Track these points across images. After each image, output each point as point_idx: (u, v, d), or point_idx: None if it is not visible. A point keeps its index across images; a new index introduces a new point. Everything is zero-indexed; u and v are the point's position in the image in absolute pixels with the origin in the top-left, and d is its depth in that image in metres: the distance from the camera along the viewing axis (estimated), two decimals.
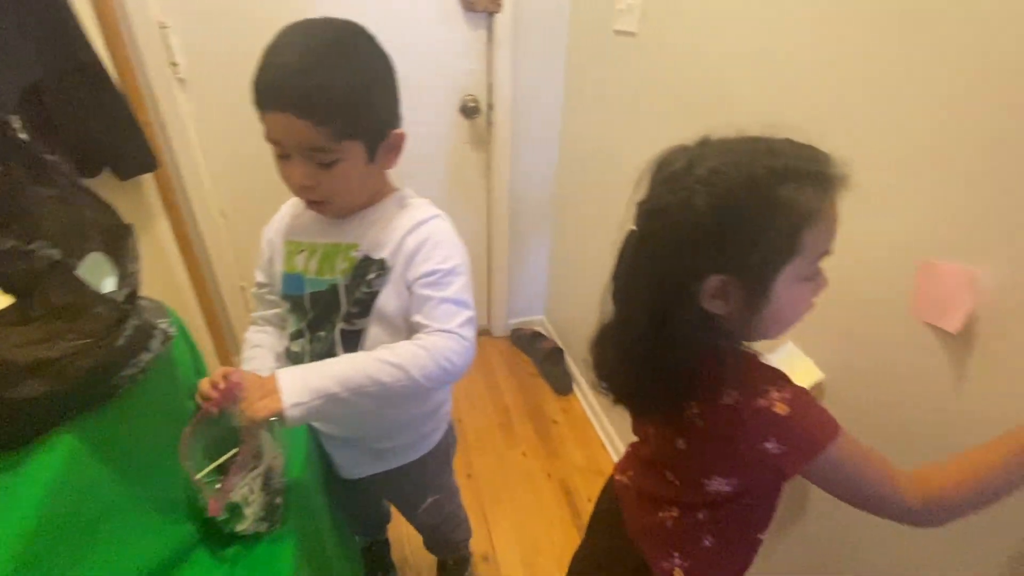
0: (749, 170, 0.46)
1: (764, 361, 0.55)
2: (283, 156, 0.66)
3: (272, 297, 0.83)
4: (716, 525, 0.63)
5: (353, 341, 0.76)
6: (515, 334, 2.08)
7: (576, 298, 1.83)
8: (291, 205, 0.81)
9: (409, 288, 0.72)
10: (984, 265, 0.59)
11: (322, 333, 0.77)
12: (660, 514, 0.66)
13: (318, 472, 0.82)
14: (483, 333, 2.13)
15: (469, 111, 1.64)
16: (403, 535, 1.35)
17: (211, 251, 1.61)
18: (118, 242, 0.53)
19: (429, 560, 1.28)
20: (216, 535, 0.62)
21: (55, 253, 0.44)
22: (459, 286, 0.71)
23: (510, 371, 1.95)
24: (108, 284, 0.50)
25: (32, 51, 0.97)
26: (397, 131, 0.73)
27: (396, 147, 0.74)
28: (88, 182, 1.27)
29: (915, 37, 0.63)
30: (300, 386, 0.62)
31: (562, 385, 1.84)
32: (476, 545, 1.35)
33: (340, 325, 0.76)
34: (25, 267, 0.42)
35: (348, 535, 0.97)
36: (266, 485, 0.65)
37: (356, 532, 1.22)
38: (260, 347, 0.82)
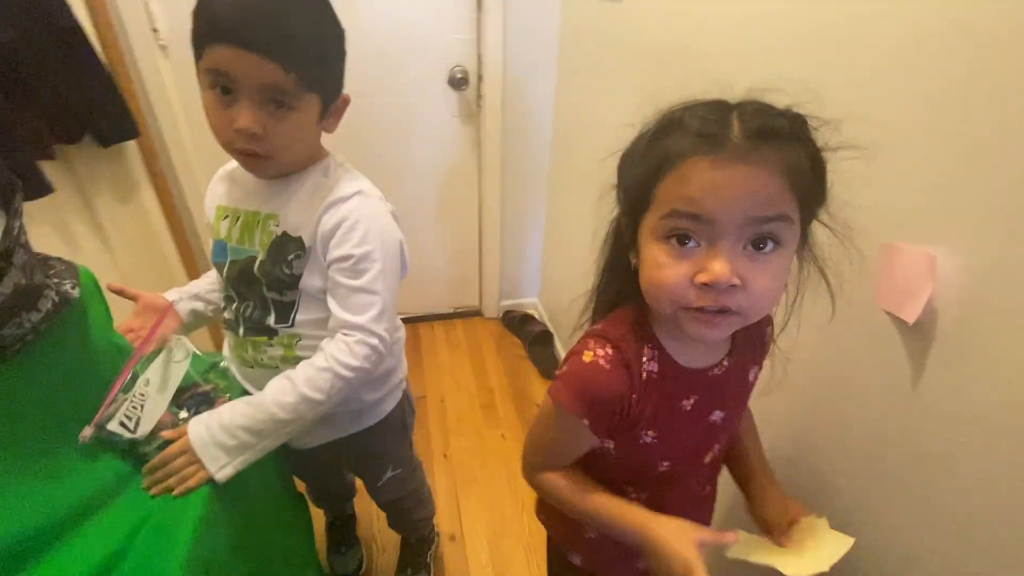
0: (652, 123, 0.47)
1: (648, 348, 0.54)
2: (226, 95, 0.61)
3: None
4: None
5: (285, 312, 0.74)
6: (507, 316, 2.04)
7: (569, 281, 1.77)
8: (223, 169, 0.78)
9: (327, 268, 0.70)
10: (945, 247, 0.52)
11: (250, 303, 0.76)
12: None
13: None
14: (474, 313, 2.11)
15: (457, 82, 1.59)
16: (372, 512, 1.34)
17: (197, 220, 1.62)
18: (11, 199, 0.51)
19: (396, 538, 1.27)
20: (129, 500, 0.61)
21: None
22: (373, 274, 0.69)
23: (498, 353, 1.92)
24: None
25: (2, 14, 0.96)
26: (345, 94, 0.71)
27: (341, 110, 0.72)
28: (70, 148, 1.28)
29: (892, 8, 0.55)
30: (216, 453, 0.65)
31: (549, 369, 1.80)
32: (444, 525, 1.34)
33: (270, 295, 0.74)
34: None
35: (296, 504, 0.96)
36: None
37: (320, 505, 1.23)
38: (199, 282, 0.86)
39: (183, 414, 0.69)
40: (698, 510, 0.68)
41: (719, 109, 0.44)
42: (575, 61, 1.52)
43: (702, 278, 0.43)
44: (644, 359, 0.53)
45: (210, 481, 0.64)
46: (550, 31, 1.57)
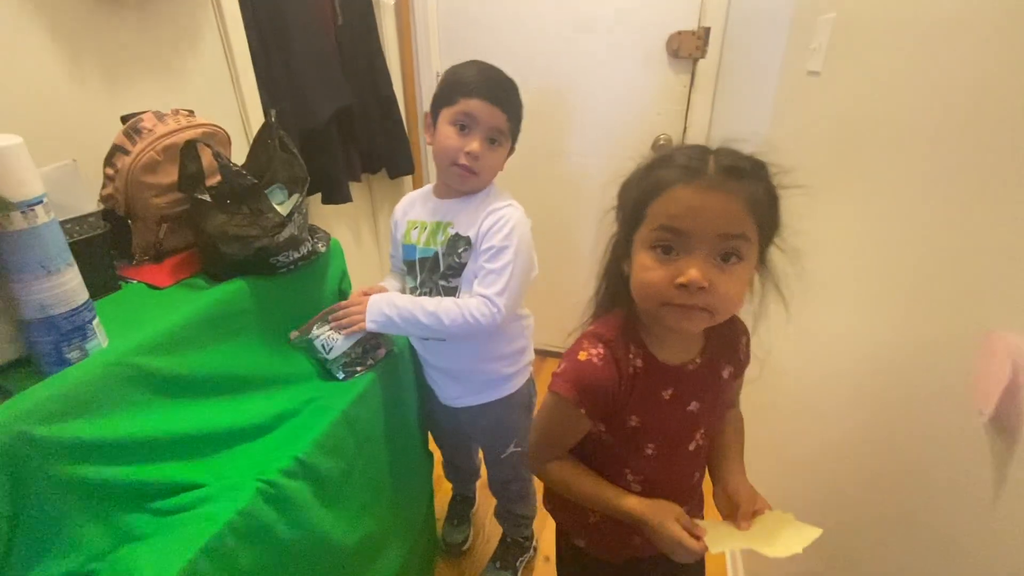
0: (647, 159, 0.61)
1: (633, 347, 0.64)
2: (464, 131, 0.93)
3: (396, 261, 1.13)
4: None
5: (451, 294, 1.01)
6: None
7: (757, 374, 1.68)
8: (409, 196, 1.10)
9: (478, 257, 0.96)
10: None
11: (427, 288, 1.04)
12: None
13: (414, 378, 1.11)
14: None
15: (660, 149, 1.73)
16: (489, 506, 1.51)
17: None
18: (301, 188, 0.89)
19: (500, 533, 1.41)
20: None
21: (253, 179, 0.80)
22: (505, 261, 0.94)
23: None
24: (282, 208, 0.85)
25: (349, 84, 1.53)
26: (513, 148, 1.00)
27: (508, 157, 1.00)
28: (370, 176, 1.87)
29: None
30: (376, 311, 0.96)
31: None
32: (544, 544, 1.42)
33: (441, 283, 1.01)
34: (240, 185, 0.79)
35: (424, 452, 1.22)
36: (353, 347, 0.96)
37: (449, 479, 1.45)
38: (389, 280, 1.15)
39: (359, 349, 0.99)
40: (689, 496, 0.74)
41: (700, 151, 0.56)
42: (782, 134, 1.50)
43: (680, 280, 0.53)
44: (631, 356, 0.63)
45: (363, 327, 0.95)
46: (763, 105, 1.59)
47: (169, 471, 0.68)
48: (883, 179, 0.80)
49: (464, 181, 0.96)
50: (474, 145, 0.91)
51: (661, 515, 0.62)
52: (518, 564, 1.33)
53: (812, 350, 1.04)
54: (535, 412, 0.71)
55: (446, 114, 0.93)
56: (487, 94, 0.91)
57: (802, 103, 1.29)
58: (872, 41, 0.91)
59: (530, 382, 1.15)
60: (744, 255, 0.55)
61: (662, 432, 0.67)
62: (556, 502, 0.83)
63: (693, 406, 0.67)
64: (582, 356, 0.63)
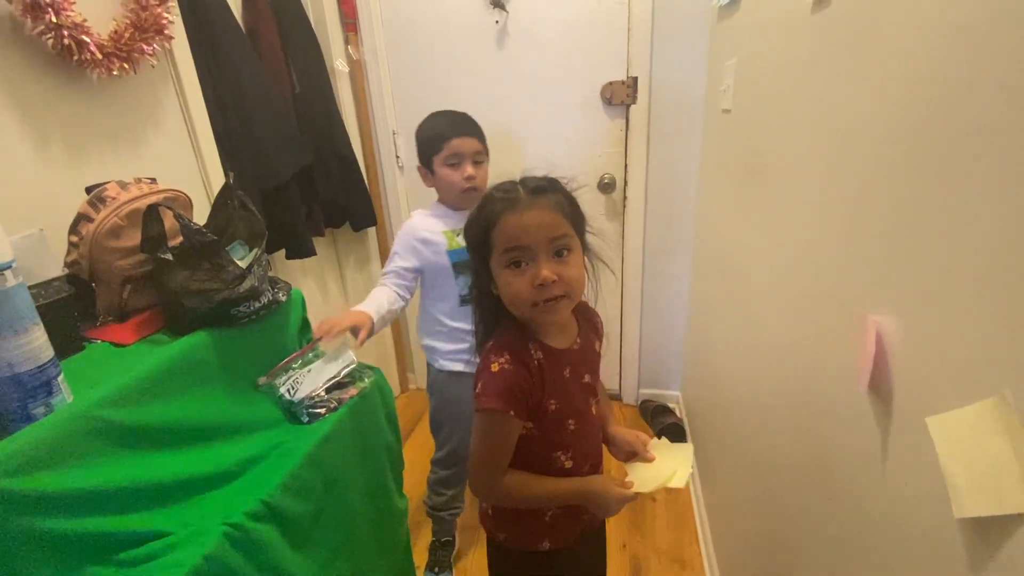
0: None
1: (532, 344, 0.75)
2: (457, 163, 1.22)
3: (409, 276, 1.28)
4: None
5: None
6: (644, 404, 2.06)
7: (710, 379, 1.75)
8: (422, 218, 1.29)
9: None
10: (891, 314, 0.52)
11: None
12: None
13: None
14: (612, 398, 2.17)
15: (606, 187, 1.85)
16: (469, 550, 1.50)
17: None
18: (260, 243, 0.95)
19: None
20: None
21: (213, 235, 0.86)
22: None
23: None
24: (243, 262, 0.90)
25: (308, 145, 1.62)
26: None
27: None
28: (335, 231, 1.93)
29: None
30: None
31: None
32: None
33: None
34: (200, 242, 0.85)
35: (398, 494, 1.21)
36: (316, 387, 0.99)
37: (434, 512, 1.44)
38: (375, 300, 1.22)
39: (323, 393, 1.02)
40: (600, 455, 0.87)
41: (510, 184, 0.73)
42: (709, 168, 1.64)
43: (537, 281, 0.69)
44: (532, 351, 0.75)
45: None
46: (693, 142, 1.74)
47: (135, 521, 0.69)
48: (781, 197, 0.90)
49: (473, 198, 1.19)
50: (469, 170, 1.22)
51: (600, 483, 0.77)
52: None
53: (740, 345, 1.12)
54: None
55: (438, 160, 1.22)
56: (462, 131, 1.22)
57: (721, 136, 1.44)
58: (763, 80, 1.04)
59: None
60: (572, 247, 0.71)
61: (572, 406, 0.78)
62: (506, 523, 0.87)
63: (587, 378, 0.81)
64: (494, 368, 0.72)
